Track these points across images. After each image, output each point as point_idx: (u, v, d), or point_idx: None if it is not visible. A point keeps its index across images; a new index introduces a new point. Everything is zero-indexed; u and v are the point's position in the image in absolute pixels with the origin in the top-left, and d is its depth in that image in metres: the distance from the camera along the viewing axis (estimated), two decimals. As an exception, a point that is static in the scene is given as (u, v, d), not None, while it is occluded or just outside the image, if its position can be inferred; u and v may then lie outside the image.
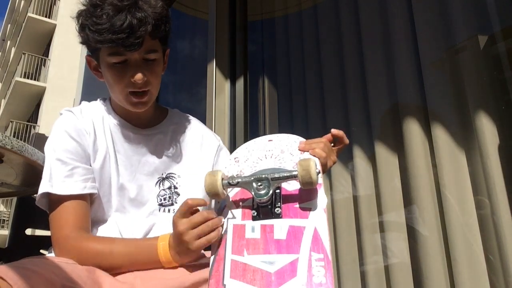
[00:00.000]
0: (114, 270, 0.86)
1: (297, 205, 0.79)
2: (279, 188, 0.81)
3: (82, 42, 0.94)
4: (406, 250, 1.63)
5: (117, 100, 0.99)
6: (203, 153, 1.09)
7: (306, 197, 0.79)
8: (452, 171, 1.53)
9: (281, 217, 0.78)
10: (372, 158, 1.83)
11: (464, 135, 1.54)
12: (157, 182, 1.02)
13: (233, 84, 2.35)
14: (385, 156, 1.77)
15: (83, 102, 1.04)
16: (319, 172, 0.79)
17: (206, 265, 0.79)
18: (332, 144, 0.93)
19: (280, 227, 0.76)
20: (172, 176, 1.04)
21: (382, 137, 1.80)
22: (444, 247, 1.52)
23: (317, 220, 0.75)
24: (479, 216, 1.45)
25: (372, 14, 1.96)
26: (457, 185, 1.51)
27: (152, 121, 1.05)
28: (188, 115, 1.16)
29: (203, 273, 0.81)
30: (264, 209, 0.79)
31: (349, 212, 1.87)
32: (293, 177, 0.78)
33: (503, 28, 1.56)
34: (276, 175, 0.79)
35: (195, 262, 0.87)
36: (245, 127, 2.25)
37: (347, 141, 0.93)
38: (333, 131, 0.92)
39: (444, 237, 1.52)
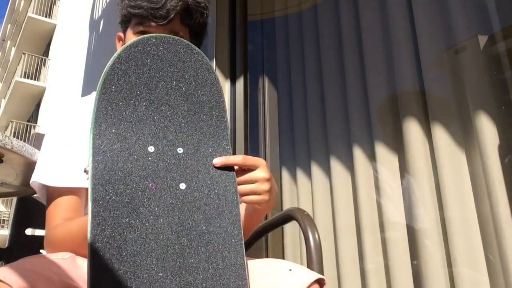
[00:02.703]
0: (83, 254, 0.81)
1: None
2: None
3: (119, 17, 0.99)
4: (406, 250, 1.63)
5: None
6: None
7: None
8: (452, 171, 1.53)
9: None
10: (372, 158, 1.83)
11: (464, 135, 1.54)
12: None
13: (233, 84, 2.35)
14: (385, 156, 1.77)
15: (88, 96, 1.07)
16: None
17: None
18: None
19: None
20: None
21: (382, 137, 1.80)
22: (444, 247, 1.52)
23: None
24: (479, 216, 1.45)
25: (372, 14, 1.96)
26: (457, 185, 1.51)
27: None
28: None
29: None
30: None
31: (349, 212, 1.87)
32: None
33: (503, 28, 1.56)
34: None
35: None
36: (245, 127, 2.24)
37: (249, 161, 0.77)
38: (215, 163, 0.75)
39: (444, 237, 1.52)
